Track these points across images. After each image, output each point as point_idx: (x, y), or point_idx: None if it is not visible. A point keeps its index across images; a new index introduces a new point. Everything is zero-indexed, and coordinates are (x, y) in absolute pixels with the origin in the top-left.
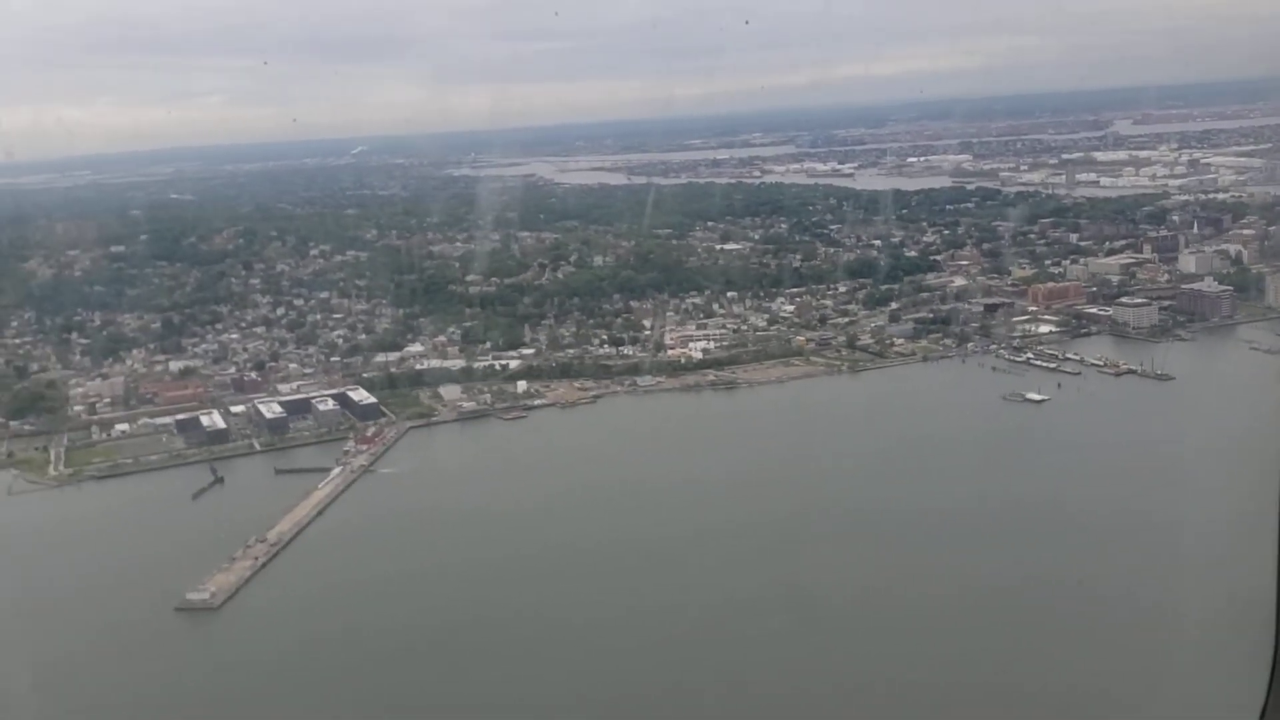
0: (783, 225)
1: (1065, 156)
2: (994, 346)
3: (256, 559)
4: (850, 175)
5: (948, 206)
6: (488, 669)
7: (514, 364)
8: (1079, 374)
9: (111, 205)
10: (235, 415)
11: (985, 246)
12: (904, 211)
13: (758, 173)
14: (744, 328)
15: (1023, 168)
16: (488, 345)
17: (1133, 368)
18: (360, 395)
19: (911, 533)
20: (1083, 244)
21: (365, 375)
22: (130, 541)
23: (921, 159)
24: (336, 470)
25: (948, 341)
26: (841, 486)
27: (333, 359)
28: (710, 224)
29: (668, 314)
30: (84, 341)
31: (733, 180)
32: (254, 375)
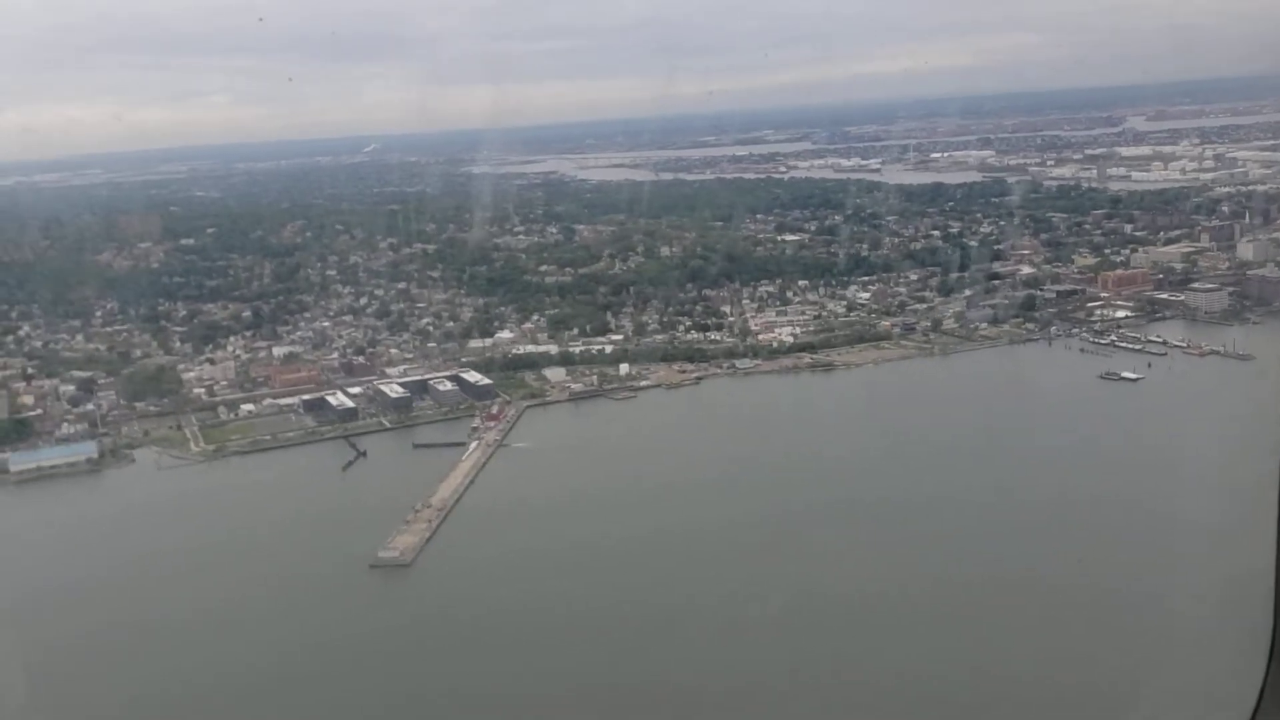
0: (836, 217)
1: (1089, 152)
2: (1075, 330)
3: (429, 522)
4: (877, 170)
5: (993, 199)
6: (661, 649)
7: (608, 349)
8: (1165, 355)
9: (141, 203)
10: (354, 396)
11: (1043, 237)
12: (950, 205)
13: (783, 168)
14: (824, 314)
15: (1049, 162)
16: (575, 331)
17: (1215, 349)
18: (474, 377)
19: (1070, 515)
20: (1137, 234)
21: (463, 360)
22: (301, 508)
23: (945, 155)
24: (473, 445)
25: (1029, 326)
26: (979, 466)
27: (429, 345)
28: (759, 216)
29: (743, 302)
30: (179, 329)
31: (761, 176)
32: (362, 360)
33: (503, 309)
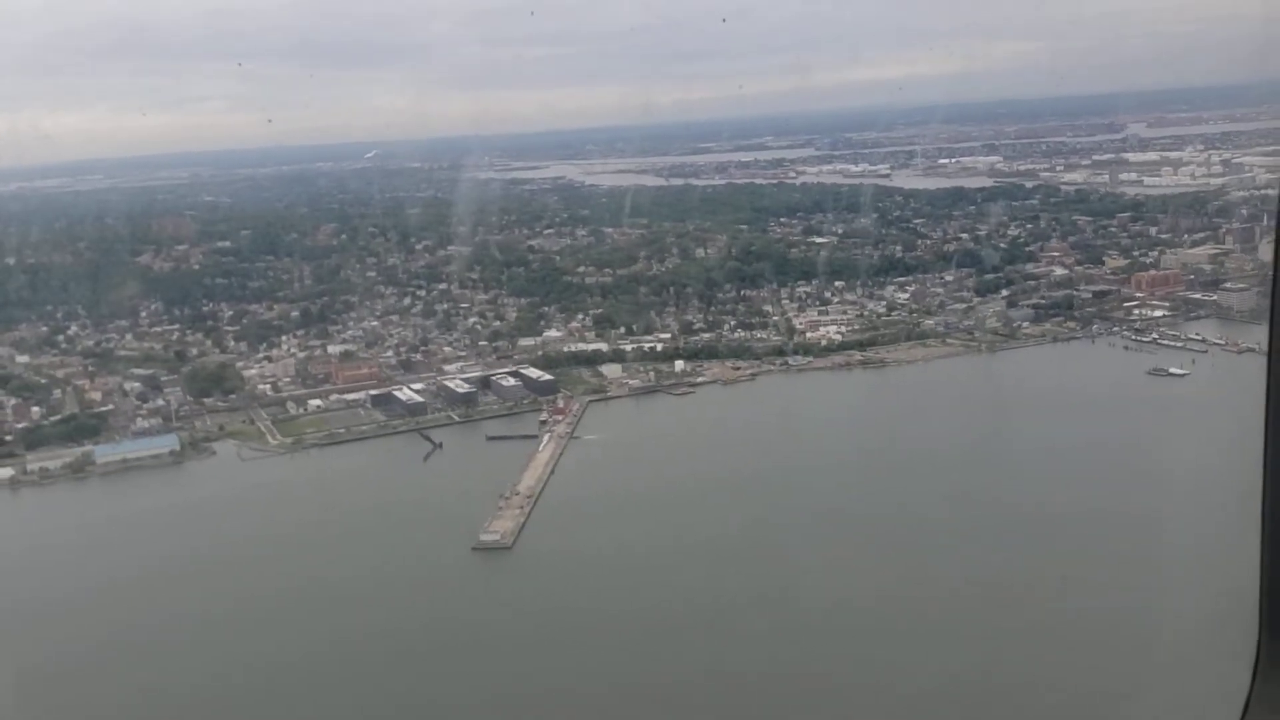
0: (863, 221)
1: (1096, 158)
2: (1116, 329)
3: (521, 508)
4: (887, 176)
5: (1013, 203)
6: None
7: (659, 347)
8: (1205, 352)
9: (153, 207)
10: (419, 391)
11: (1071, 240)
12: (971, 208)
13: (793, 174)
14: (865, 314)
15: (1058, 168)
16: (621, 330)
17: (1251, 346)
18: (535, 373)
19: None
20: (1162, 237)
21: (516, 357)
22: (394, 495)
23: (953, 161)
24: (546, 438)
25: (1071, 325)
26: (1050, 459)
27: (479, 343)
28: (783, 220)
29: (783, 302)
30: (232, 329)
31: (773, 181)
32: (419, 357)
33: (545, 309)
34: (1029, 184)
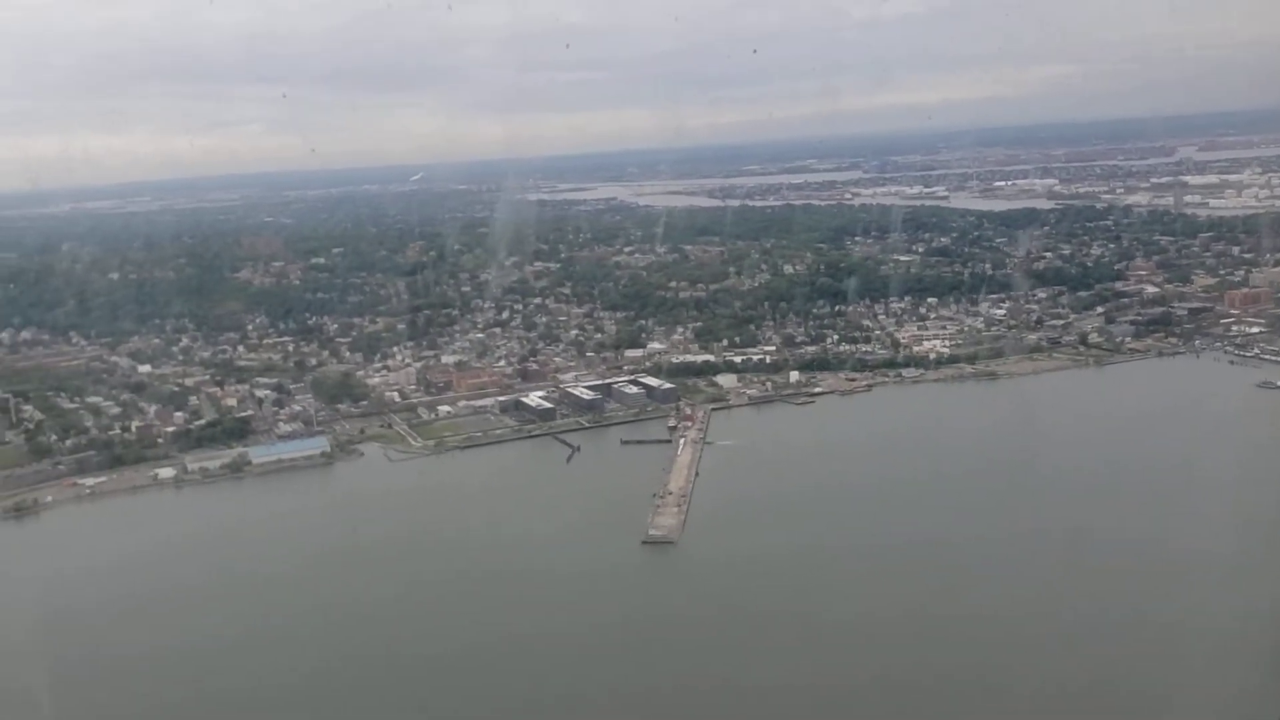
0: (942, 240)
1: (1155, 180)
2: (1217, 344)
3: (678, 507)
4: (945, 197)
5: (1087, 224)
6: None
7: (768, 359)
8: None
9: (218, 227)
10: (543, 398)
11: (1155, 259)
12: (1044, 228)
13: (849, 195)
14: (965, 329)
15: (1119, 190)
16: (724, 343)
17: None
18: (655, 381)
19: None
20: (1245, 256)
21: (624, 368)
22: (552, 493)
23: (1009, 183)
24: (680, 443)
25: (1172, 340)
26: (1202, 474)
27: (587, 354)
28: (858, 239)
29: (879, 317)
30: (344, 340)
31: (830, 202)
32: (534, 366)
33: (643, 322)
34: (1098, 205)
